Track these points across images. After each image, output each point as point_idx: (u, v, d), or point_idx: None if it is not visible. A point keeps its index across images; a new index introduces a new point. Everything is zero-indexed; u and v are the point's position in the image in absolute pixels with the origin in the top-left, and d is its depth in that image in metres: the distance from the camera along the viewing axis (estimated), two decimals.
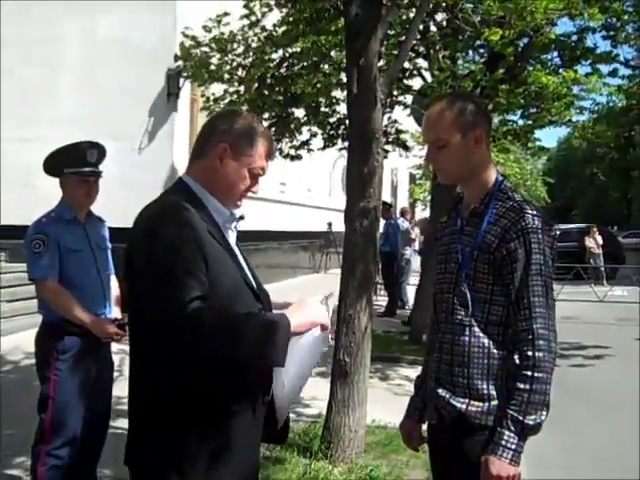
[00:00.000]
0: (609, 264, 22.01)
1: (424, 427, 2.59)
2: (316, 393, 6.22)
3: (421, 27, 8.75)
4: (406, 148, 11.86)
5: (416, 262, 15.84)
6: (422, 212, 29.68)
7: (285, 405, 2.25)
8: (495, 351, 2.28)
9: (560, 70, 10.17)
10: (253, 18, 9.58)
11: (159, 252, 1.97)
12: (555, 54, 10.35)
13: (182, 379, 1.99)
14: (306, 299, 2.13)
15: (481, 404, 2.27)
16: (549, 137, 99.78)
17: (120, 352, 4.72)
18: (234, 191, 2.24)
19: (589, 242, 23.01)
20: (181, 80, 12.95)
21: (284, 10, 9.48)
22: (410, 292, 13.80)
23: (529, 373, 2.18)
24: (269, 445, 5.11)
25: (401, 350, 9.61)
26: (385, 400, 6.88)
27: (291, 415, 6.44)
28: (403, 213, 15.94)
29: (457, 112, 2.37)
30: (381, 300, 13.83)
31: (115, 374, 4.10)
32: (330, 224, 21.25)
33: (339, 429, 5.03)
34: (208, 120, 2.41)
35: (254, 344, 1.92)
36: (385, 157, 6.57)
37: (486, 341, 2.28)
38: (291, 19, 9.15)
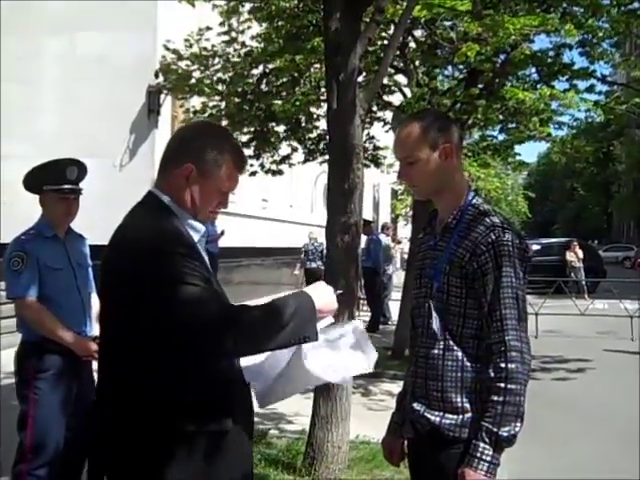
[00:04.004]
0: (590, 278, 22.17)
1: (406, 442, 2.60)
2: (299, 409, 6.20)
3: (400, 43, 8.82)
4: (378, 165, 11.92)
5: (398, 277, 15.89)
6: (404, 227, 29.80)
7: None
8: (469, 364, 2.29)
9: (538, 86, 10.28)
10: (233, 34, 9.63)
11: (173, 272, 1.93)
12: (533, 70, 10.46)
13: (173, 394, 1.96)
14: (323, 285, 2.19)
15: (455, 417, 2.28)
16: (529, 152, 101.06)
17: None
18: (203, 210, 2.17)
19: (570, 256, 23.19)
20: (162, 97, 12.99)
21: (264, 25, 9.54)
22: (393, 307, 13.84)
23: (502, 385, 2.19)
24: (252, 462, 5.09)
25: (383, 365, 9.58)
26: (367, 415, 6.87)
27: (274, 431, 6.42)
28: (384, 228, 16.00)
29: (425, 128, 2.39)
30: (364, 315, 13.84)
31: None
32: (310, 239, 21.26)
33: (322, 445, 5.00)
34: (175, 133, 2.33)
35: (291, 329, 1.98)
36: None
37: (460, 354, 2.30)
38: (270, 36, 9.20)
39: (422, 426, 2.34)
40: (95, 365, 3.92)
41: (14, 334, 4.07)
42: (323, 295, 2.11)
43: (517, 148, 12.12)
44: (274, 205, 19.48)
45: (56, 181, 3.85)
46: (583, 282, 21.32)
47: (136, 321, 1.96)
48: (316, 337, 2.04)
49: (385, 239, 14.79)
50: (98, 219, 8.26)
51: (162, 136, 13.38)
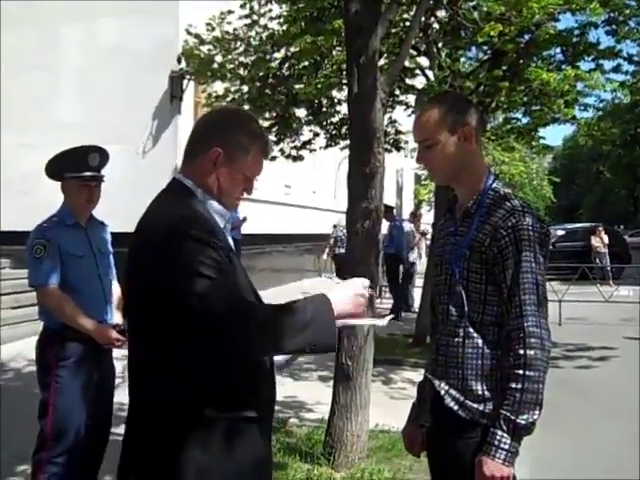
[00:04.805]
0: (615, 263, 21.93)
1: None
2: (320, 397, 6.20)
3: (423, 25, 8.72)
4: (399, 149, 11.85)
5: (422, 265, 15.80)
6: (428, 213, 29.64)
7: None
8: (489, 351, 2.27)
9: (563, 66, 10.12)
10: (255, 17, 9.59)
11: (188, 260, 1.91)
12: (558, 50, 10.28)
13: (193, 380, 1.95)
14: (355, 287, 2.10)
15: (475, 405, 2.26)
16: (554, 135, 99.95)
17: (123, 358, 4.68)
18: (229, 195, 2.16)
19: (595, 241, 22.95)
20: (184, 82, 12.96)
21: (284, 7, 9.48)
22: (417, 295, 13.79)
23: (521, 372, 2.16)
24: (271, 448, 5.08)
25: (404, 353, 9.55)
26: (388, 404, 6.84)
27: (294, 420, 6.43)
28: (413, 216, 15.95)
29: (444, 111, 2.36)
30: (386, 302, 13.81)
31: (118, 380, 4.04)
32: (336, 227, 21.27)
33: (341, 434, 4.99)
34: (201, 118, 2.33)
35: (306, 336, 1.93)
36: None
37: (480, 342, 2.28)
38: (291, 18, 9.14)
39: (442, 413, 2.31)
40: (115, 353, 3.95)
41: (36, 322, 4.08)
42: (345, 300, 2.03)
43: (542, 132, 12.04)
44: (297, 191, 19.44)
45: (78, 168, 3.84)
46: (608, 268, 21.09)
47: (156, 306, 1.96)
48: (333, 348, 1.99)
49: (408, 226, 14.71)
50: (121, 206, 8.31)
51: (185, 122, 13.38)
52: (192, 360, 1.94)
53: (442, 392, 2.32)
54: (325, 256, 17.95)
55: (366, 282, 2.11)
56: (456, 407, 2.28)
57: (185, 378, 1.95)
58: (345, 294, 2.04)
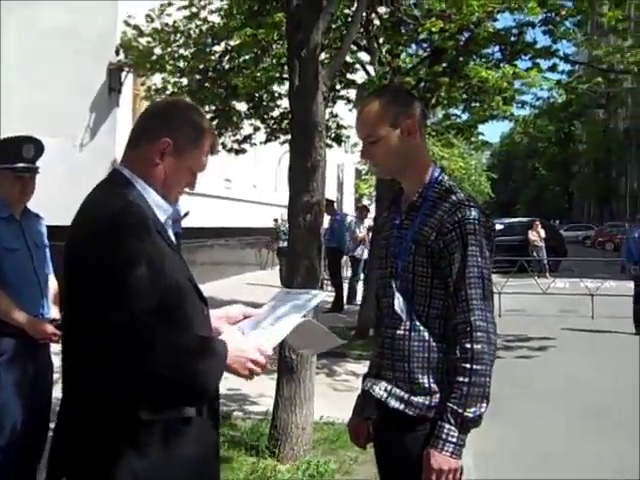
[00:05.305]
0: (552, 257, 22.48)
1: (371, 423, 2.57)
2: (263, 390, 6.17)
3: (364, 20, 8.77)
4: (340, 143, 11.89)
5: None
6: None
7: None
8: (435, 344, 2.26)
9: (501, 65, 10.31)
10: (194, 9, 9.50)
11: (115, 264, 1.84)
12: (496, 49, 10.48)
13: (136, 381, 1.86)
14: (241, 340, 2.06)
15: (422, 398, 2.25)
16: (492, 132, 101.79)
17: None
18: (172, 188, 2.09)
19: (532, 235, 23.48)
20: (123, 75, 12.76)
21: (224, 1, 9.42)
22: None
23: (467, 366, 2.16)
24: (218, 447, 5.05)
25: (347, 345, 9.56)
26: (332, 396, 6.85)
27: (238, 413, 6.37)
28: (361, 210, 15.95)
29: (385, 105, 2.33)
30: (328, 296, 13.84)
31: (56, 375, 3.95)
32: (277, 220, 21.25)
33: (286, 426, 4.98)
34: (150, 106, 2.26)
35: (202, 371, 1.89)
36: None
37: (426, 335, 2.26)
38: (231, 11, 9.10)
39: (389, 407, 2.29)
40: (54, 347, 3.85)
41: None
42: (237, 359, 1.97)
43: (480, 128, 12.21)
44: (237, 185, 19.35)
45: (11, 160, 3.72)
46: (545, 261, 21.59)
47: (93, 300, 1.88)
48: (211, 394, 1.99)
49: (349, 219, 14.78)
50: (58, 199, 8.13)
51: (123, 115, 13.16)
52: (129, 357, 1.85)
53: (384, 396, 2.30)
54: (266, 250, 17.95)
55: (266, 350, 2.02)
56: (402, 407, 2.26)
57: (122, 375, 1.86)
58: (240, 352, 1.98)
